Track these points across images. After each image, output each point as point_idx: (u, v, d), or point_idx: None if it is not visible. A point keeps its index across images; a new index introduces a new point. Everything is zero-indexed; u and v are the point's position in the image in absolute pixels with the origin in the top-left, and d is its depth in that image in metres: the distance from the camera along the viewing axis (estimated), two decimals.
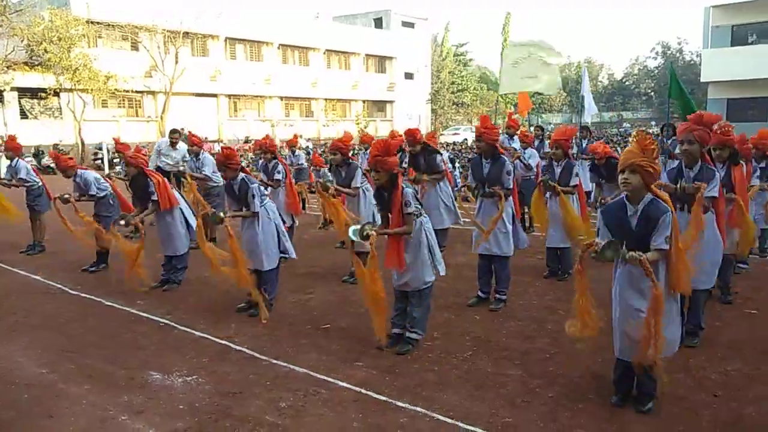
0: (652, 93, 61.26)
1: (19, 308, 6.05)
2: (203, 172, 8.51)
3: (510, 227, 5.56)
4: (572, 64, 67.06)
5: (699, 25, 38.35)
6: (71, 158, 7.65)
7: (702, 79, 29.58)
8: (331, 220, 7.73)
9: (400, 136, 8.10)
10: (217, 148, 28.91)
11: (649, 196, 3.42)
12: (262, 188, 5.75)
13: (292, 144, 11.76)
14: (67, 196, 7.14)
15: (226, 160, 5.50)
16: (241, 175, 5.57)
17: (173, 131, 10.01)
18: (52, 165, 23.33)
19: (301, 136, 31.92)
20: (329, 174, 9.17)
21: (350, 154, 6.72)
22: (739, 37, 28.07)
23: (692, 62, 53.37)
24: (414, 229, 4.48)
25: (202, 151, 8.67)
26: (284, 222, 6.18)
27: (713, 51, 28.63)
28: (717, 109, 28.76)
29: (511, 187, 5.54)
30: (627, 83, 67.89)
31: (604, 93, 68.38)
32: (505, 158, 5.56)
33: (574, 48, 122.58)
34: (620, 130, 44.62)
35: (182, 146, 9.68)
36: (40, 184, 8.39)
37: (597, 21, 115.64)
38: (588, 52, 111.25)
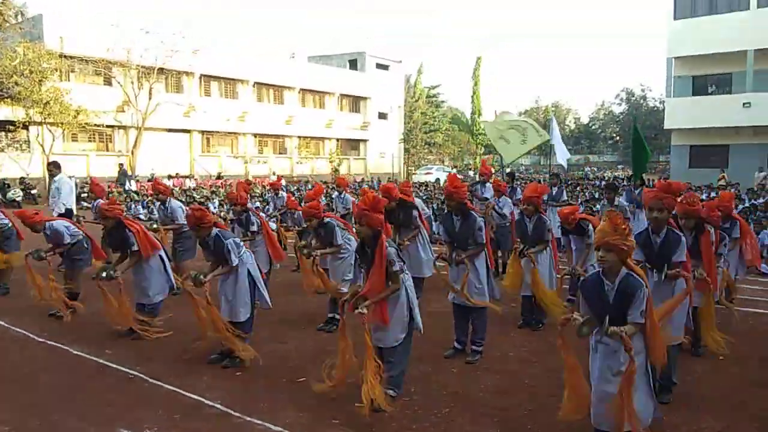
0: (618, 137, 63.13)
1: None
2: (177, 221, 8.19)
3: (485, 281, 5.62)
4: (540, 107, 68.94)
5: (662, 74, 39.99)
6: (36, 213, 7.32)
7: (665, 127, 30.61)
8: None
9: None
10: (188, 183, 28.79)
11: (625, 270, 3.55)
12: (237, 240, 5.66)
13: (275, 186, 11.77)
14: (43, 254, 6.98)
15: (199, 222, 5.43)
16: (215, 230, 5.51)
17: (53, 164, 10.12)
18: (18, 198, 22.87)
19: (273, 173, 31.94)
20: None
21: (323, 211, 6.61)
22: (699, 87, 29.26)
23: (655, 108, 55.34)
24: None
25: (169, 198, 8.37)
26: (260, 270, 6.11)
27: (676, 100, 29.76)
28: (680, 155, 29.82)
29: (483, 241, 5.60)
30: (593, 127, 69.97)
31: (571, 136, 70.25)
32: (475, 215, 5.64)
33: (543, 91, 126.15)
34: (583, 171, 45.80)
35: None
36: (10, 225, 8.19)
37: (564, 65, 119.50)
38: (556, 96, 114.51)
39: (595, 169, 51.86)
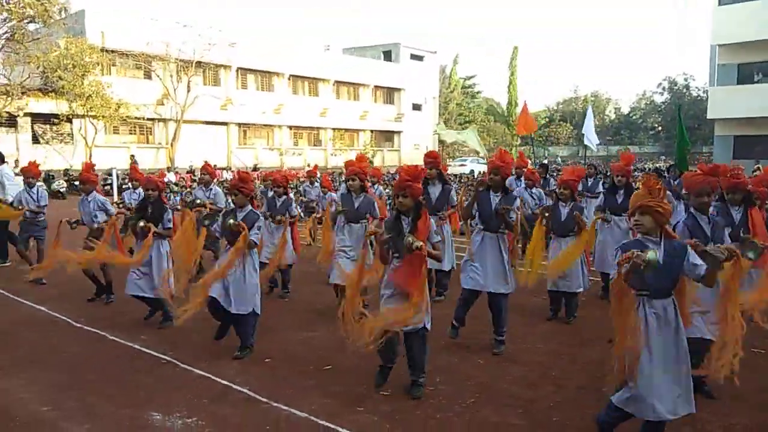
0: (659, 128, 61.45)
1: (24, 341, 6.05)
2: (218, 204, 8.37)
3: (508, 270, 5.51)
4: (579, 97, 67.61)
5: (705, 62, 38.76)
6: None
7: (708, 116, 29.74)
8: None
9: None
10: (226, 175, 29.27)
11: (663, 237, 3.41)
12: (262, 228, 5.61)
13: (311, 174, 11.82)
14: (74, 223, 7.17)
15: (241, 183, 5.46)
16: (251, 207, 5.54)
17: None
18: (62, 190, 23.62)
19: (308, 165, 32.19)
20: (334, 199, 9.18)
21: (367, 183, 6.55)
22: (745, 75, 28.30)
23: (699, 98, 53.68)
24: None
25: (214, 182, 8.67)
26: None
27: (719, 89, 28.87)
28: (723, 146, 28.92)
29: (513, 221, 5.49)
30: (634, 117, 68.23)
31: (611, 127, 68.69)
32: (515, 195, 5.63)
33: (582, 81, 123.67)
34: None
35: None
36: (44, 218, 8.47)
37: (605, 55, 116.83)
38: (595, 86, 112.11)
39: (636, 159, 50.64)
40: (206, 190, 8.63)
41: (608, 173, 27.86)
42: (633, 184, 7.73)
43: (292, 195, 8.23)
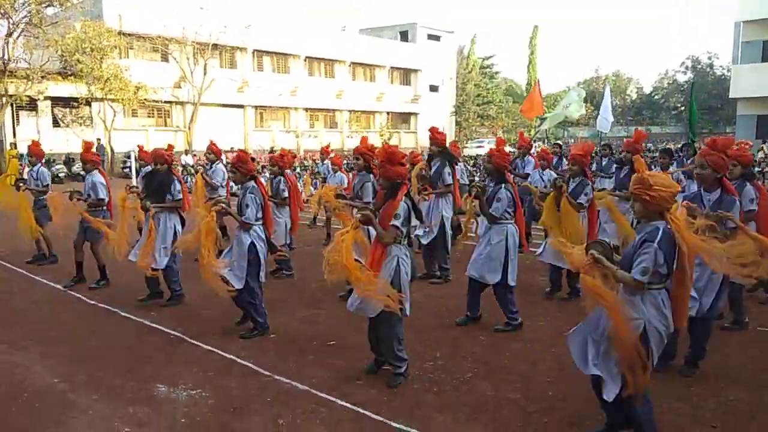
0: (682, 108, 60.31)
1: (38, 317, 6.25)
2: (213, 180, 8.72)
3: (502, 260, 5.49)
4: (600, 77, 66.52)
5: (729, 40, 37.83)
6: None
7: (731, 95, 29.10)
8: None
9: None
10: None
11: (660, 223, 3.28)
12: (258, 207, 5.54)
13: (324, 152, 11.98)
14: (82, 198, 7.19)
15: (239, 162, 5.54)
16: (251, 183, 5.54)
17: None
18: (60, 175, 23.83)
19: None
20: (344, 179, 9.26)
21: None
22: None
23: (723, 77, 52.47)
24: (390, 249, 4.34)
25: (218, 161, 8.84)
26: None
27: (743, 67, 28.18)
28: (746, 125, 28.32)
29: (497, 214, 5.47)
30: (656, 97, 67.02)
31: (633, 107, 67.59)
32: (505, 188, 5.52)
33: (603, 61, 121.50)
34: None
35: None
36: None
37: (626, 34, 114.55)
38: (616, 65, 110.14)
39: (657, 140, 49.78)
40: (209, 168, 8.82)
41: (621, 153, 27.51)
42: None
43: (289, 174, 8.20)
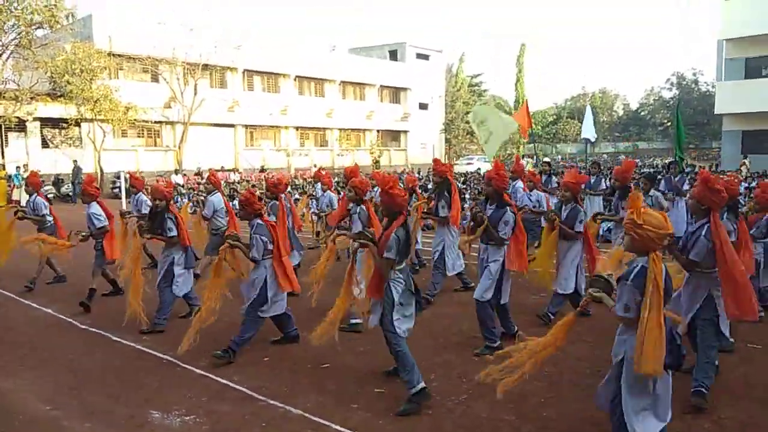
0: (668, 123, 61.07)
1: (30, 341, 6.20)
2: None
3: (496, 276, 5.54)
4: (587, 94, 67.33)
5: (713, 57, 38.48)
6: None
7: (716, 111, 29.55)
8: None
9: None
10: (233, 176, 29.44)
11: (636, 261, 3.34)
12: (266, 242, 5.58)
13: (318, 176, 11.84)
14: (84, 234, 7.42)
15: (247, 202, 5.61)
16: (258, 221, 5.58)
17: None
18: (70, 193, 23.87)
19: (315, 165, 32.29)
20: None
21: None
22: (752, 69, 28.05)
23: (708, 93, 53.28)
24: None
25: (215, 191, 8.77)
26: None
27: (727, 83, 28.64)
28: (732, 141, 28.75)
29: (506, 237, 5.55)
30: (642, 113, 67.89)
31: (620, 123, 68.38)
32: (509, 210, 5.58)
33: (590, 78, 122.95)
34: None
35: None
36: (52, 222, 8.56)
37: (612, 51, 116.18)
38: (603, 83, 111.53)
39: (643, 156, 50.29)
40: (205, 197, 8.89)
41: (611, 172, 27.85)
42: (630, 187, 7.83)
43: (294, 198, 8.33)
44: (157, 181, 24.27)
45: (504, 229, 5.52)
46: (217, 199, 8.50)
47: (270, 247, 5.54)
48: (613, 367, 3.45)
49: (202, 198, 9.22)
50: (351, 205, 6.49)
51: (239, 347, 5.51)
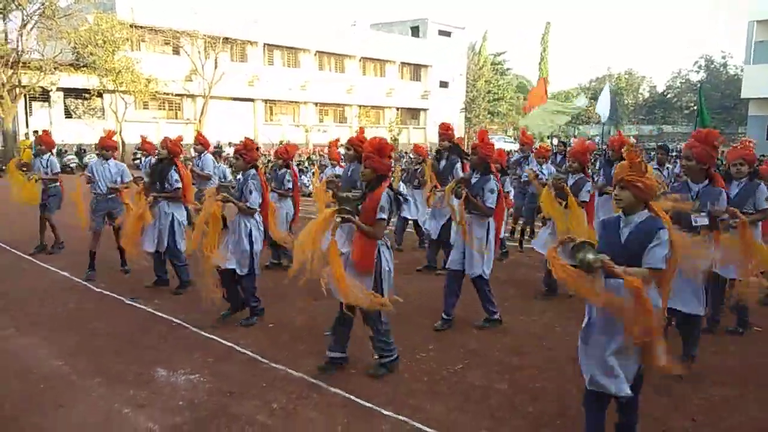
0: (694, 107, 59.82)
1: (45, 303, 6.42)
2: (205, 171, 9.03)
3: (492, 250, 5.53)
4: (612, 75, 66.15)
5: (742, 39, 37.48)
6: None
7: (742, 95, 28.97)
8: None
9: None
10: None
11: (646, 212, 3.27)
12: (258, 194, 5.65)
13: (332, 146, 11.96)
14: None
15: (244, 149, 5.66)
16: (253, 171, 5.66)
17: None
18: (72, 165, 24.02)
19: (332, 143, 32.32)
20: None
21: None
22: None
23: (736, 77, 52.02)
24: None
25: (206, 151, 9.11)
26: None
27: (755, 67, 27.97)
28: (758, 126, 28.15)
29: (493, 206, 5.45)
30: (668, 96, 66.57)
31: (645, 105, 67.17)
32: (493, 179, 5.52)
33: (616, 59, 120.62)
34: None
35: None
36: (58, 184, 8.74)
37: (639, 32, 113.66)
38: (629, 64, 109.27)
39: (668, 140, 49.43)
40: (198, 159, 9.02)
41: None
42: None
43: (294, 167, 8.40)
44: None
45: (490, 197, 5.40)
46: (211, 157, 9.06)
47: (260, 200, 5.66)
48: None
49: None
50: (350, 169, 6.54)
51: (257, 301, 5.73)
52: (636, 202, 3.27)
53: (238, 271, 5.58)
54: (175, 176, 6.63)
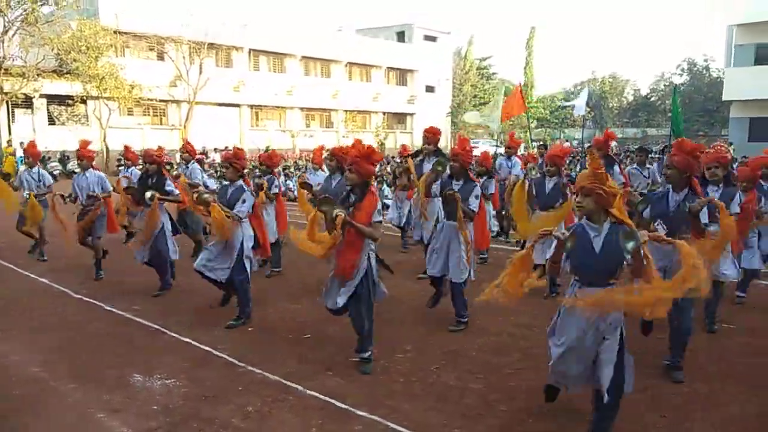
0: (678, 109, 60.44)
1: (25, 309, 6.38)
2: (193, 180, 8.84)
3: (464, 257, 5.56)
4: (597, 79, 66.70)
5: (722, 43, 37.97)
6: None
7: (724, 98, 29.32)
8: None
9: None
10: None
11: (610, 220, 3.36)
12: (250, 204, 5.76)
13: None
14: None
15: (234, 158, 5.69)
16: (241, 182, 5.72)
17: None
18: (55, 172, 23.88)
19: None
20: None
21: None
22: (762, 56, 27.73)
23: (719, 80, 52.62)
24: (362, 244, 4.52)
25: (192, 160, 9.01)
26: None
27: (736, 70, 28.38)
28: (739, 128, 28.53)
29: (477, 209, 5.58)
30: (652, 99, 67.22)
31: (629, 109, 67.75)
32: (475, 182, 5.64)
33: (600, 63, 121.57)
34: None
35: None
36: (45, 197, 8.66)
37: (624, 36, 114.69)
38: (614, 68, 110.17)
39: (652, 143, 49.87)
40: (185, 167, 8.93)
41: (620, 156, 27.67)
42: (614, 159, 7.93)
43: (279, 174, 8.47)
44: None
45: (474, 202, 5.55)
46: (198, 167, 9.02)
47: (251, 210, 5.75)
48: None
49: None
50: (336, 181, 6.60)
51: (249, 306, 5.82)
52: (598, 208, 3.36)
53: (221, 279, 5.72)
54: (170, 185, 6.75)
